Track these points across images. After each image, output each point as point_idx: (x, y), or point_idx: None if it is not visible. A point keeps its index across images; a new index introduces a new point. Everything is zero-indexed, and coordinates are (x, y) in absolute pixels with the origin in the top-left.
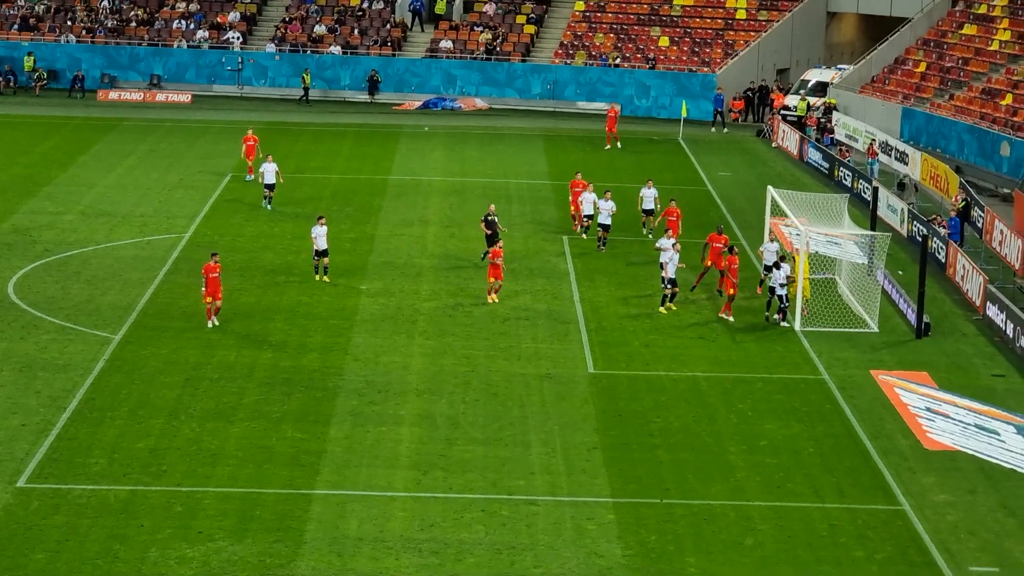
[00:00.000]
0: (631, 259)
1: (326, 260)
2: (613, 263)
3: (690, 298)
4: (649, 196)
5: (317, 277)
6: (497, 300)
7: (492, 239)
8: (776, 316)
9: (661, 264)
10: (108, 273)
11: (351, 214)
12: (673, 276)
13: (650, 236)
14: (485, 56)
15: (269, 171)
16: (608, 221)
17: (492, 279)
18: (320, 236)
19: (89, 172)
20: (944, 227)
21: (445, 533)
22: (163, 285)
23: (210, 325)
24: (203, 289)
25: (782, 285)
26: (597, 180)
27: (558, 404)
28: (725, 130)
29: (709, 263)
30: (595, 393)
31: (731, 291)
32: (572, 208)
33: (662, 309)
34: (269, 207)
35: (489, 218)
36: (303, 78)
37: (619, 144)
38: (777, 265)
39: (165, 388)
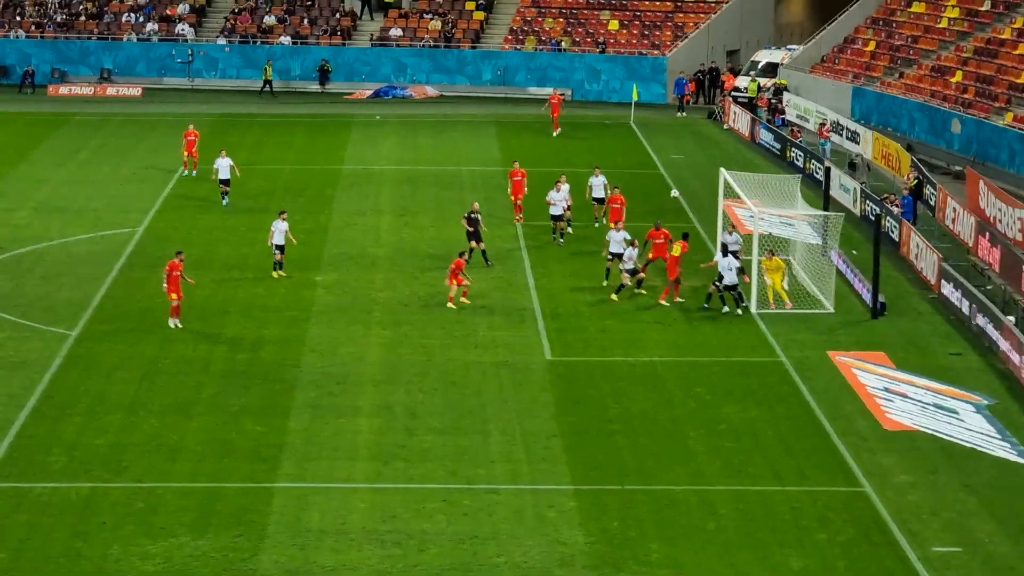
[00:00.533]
0: (585, 247)
1: (281, 256)
2: (567, 250)
3: (646, 284)
4: (598, 184)
5: (274, 274)
6: (466, 302)
7: (474, 236)
8: (737, 310)
9: (611, 255)
10: (63, 269)
11: (304, 205)
12: (632, 267)
13: (597, 225)
14: (434, 44)
15: (224, 167)
16: (560, 212)
17: (454, 283)
18: (279, 231)
19: (41, 168)
20: (897, 206)
21: (407, 524)
22: (118, 280)
23: (172, 325)
24: (164, 286)
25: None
26: (549, 166)
27: (516, 392)
28: (684, 114)
29: (653, 256)
30: (553, 380)
31: (672, 276)
32: (511, 197)
33: (614, 296)
34: (226, 202)
35: (472, 215)
36: (265, 70)
37: (556, 132)
38: (736, 255)
39: (123, 384)
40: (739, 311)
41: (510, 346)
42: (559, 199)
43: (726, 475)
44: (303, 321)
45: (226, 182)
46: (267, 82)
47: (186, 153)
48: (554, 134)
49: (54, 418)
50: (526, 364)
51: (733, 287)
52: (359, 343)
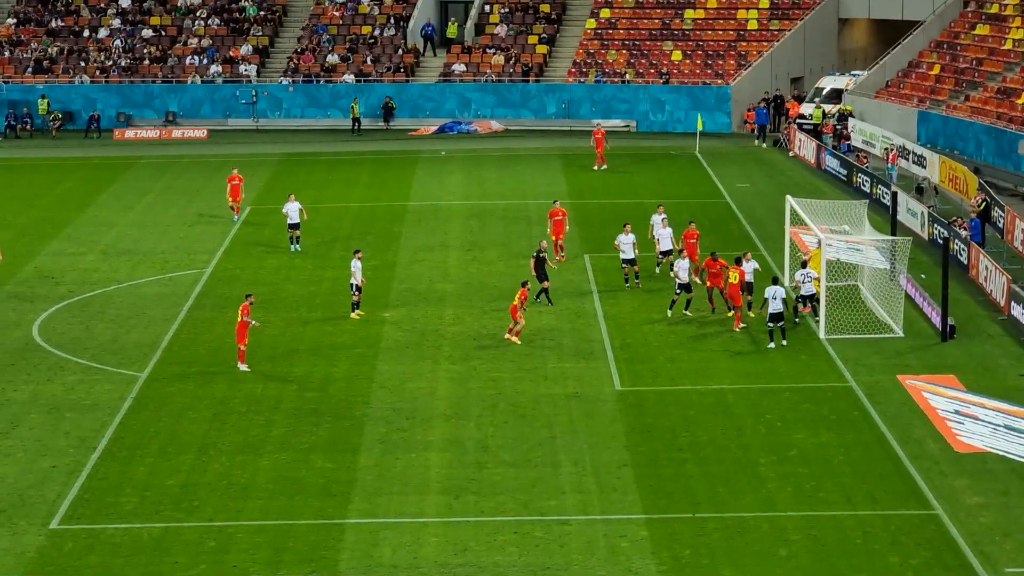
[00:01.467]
0: (653, 274)
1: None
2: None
3: (716, 313)
4: (663, 231)
5: (353, 315)
6: (518, 341)
7: (541, 276)
8: (783, 341)
9: (673, 271)
10: (131, 311)
11: (371, 242)
12: (686, 281)
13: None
14: (498, 78)
15: (293, 210)
16: (632, 255)
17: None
18: (357, 270)
19: (108, 211)
20: (965, 228)
21: (479, 557)
22: (187, 321)
23: (242, 368)
24: (251, 322)
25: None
26: (616, 198)
27: (586, 423)
28: (765, 144)
29: (710, 284)
30: (623, 410)
31: (736, 303)
32: (552, 237)
33: (668, 312)
34: (297, 248)
35: (540, 255)
36: (352, 108)
37: (604, 165)
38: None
39: (193, 424)
40: (783, 343)
41: (579, 378)
42: (627, 243)
43: (797, 501)
44: (371, 358)
45: (295, 226)
46: (356, 120)
47: (231, 199)
48: (595, 168)
49: (125, 459)
50: (596, 395)
51: (779, 316)
52: (428, 378)
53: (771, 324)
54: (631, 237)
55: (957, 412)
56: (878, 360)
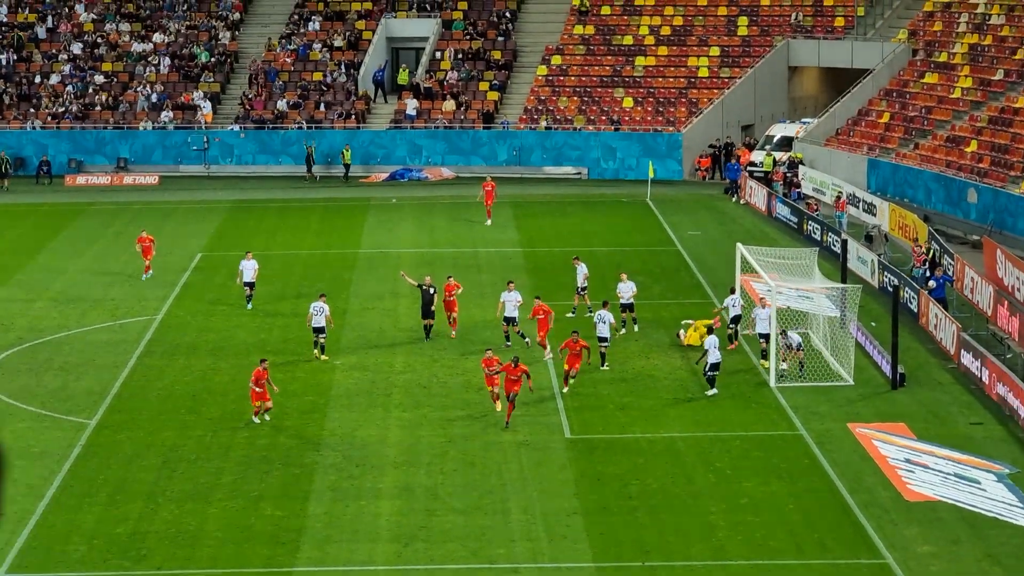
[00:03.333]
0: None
1: (322, 338)
2: (587, 327)
3: (665, 360)
4: (511, 301)
5: (318, 355)
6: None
7: (427, 313)
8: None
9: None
10: (81, 358)
11: (321, 289)
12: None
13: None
14: (448, 125)
15: (249, 268)
16: (631, 302)
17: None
18: (318, 313)
19: (59, 258)
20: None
21: None
22: (137, 368)
23: (256, 420)
24: (251, 395)
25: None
26: (570, 245)
27: (536, 470)
28: (739, 200)
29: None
30: (572, 458)
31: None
32: (446, 312)
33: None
34: (250, 306)
35: (427, 289)
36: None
37: (489, 221)
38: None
39: (142, 471)
40: (715, 390)
41: (529, 425)
42: (626, 291)
43: (748, 549)
44: (322, 405)
45: (250, 284)
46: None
47: (144, 258)
48: (487, 223)
49: (74, 507)
50: (545, 443)
51: (717, 366)
52: (379, 426)
53: (710, 372)
54: (630, 285)
55: (907, 460)
56: (828, 408)
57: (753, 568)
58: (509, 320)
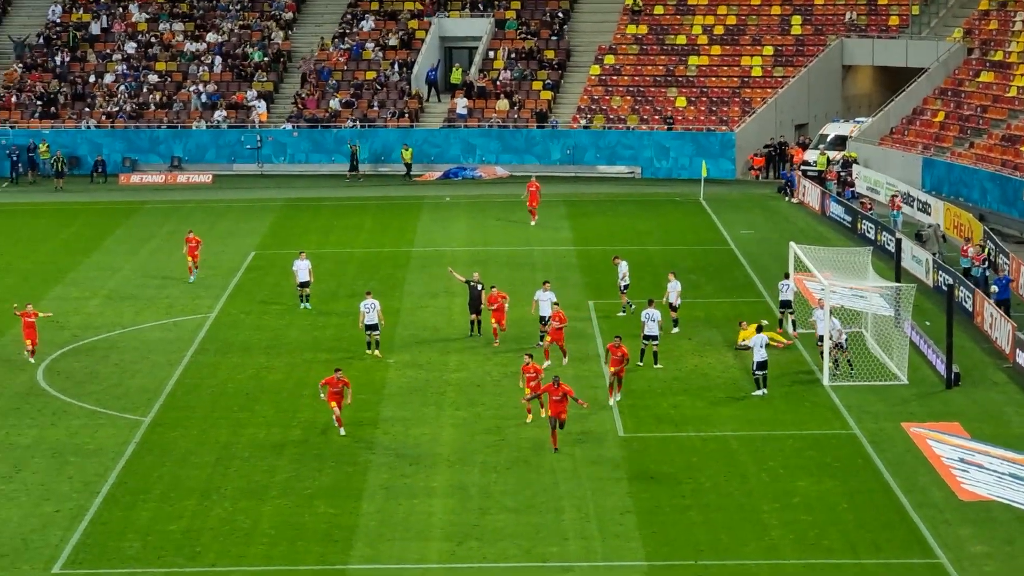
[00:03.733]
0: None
1: (377, 334)
2: (638, 326)
3: (718, 359)
4: (545, 300)
5: (372, 353)
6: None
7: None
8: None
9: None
10: (136, 356)
11: (375, 288)
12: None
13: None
14: (502, 124)
15: (303, 268)
16: (677, 301)
17: (613, 373)
18: (370, 311)
19: (113, 256)
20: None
21: None
22: (191, 366)
23: (342, 432)
24: (323, 396)
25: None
26: (623, 244)
27: (589, 469)
28: (793, 200)
29: (612, 368)
30: (626, 456)
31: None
32: (492, 320)
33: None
34: (307, 306)
35: (473, 284)
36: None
37: (533, 222)
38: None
39: (196, 468)
40: (763, 391)
41: (583, 423)
42: (674, 289)
43: (800, 549)
44: (375, 403)
45: (305, 284)
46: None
47: (189, 259)
48: (532, 223)
49: (128, 504)
50: (599, 441)
51: (764, 364)
52: (432, 424)
53: (757, 372)
54: (676, 284)
55: (962, 460)
56: (882, 407)
57: (806, 567)
58: (544, 319)
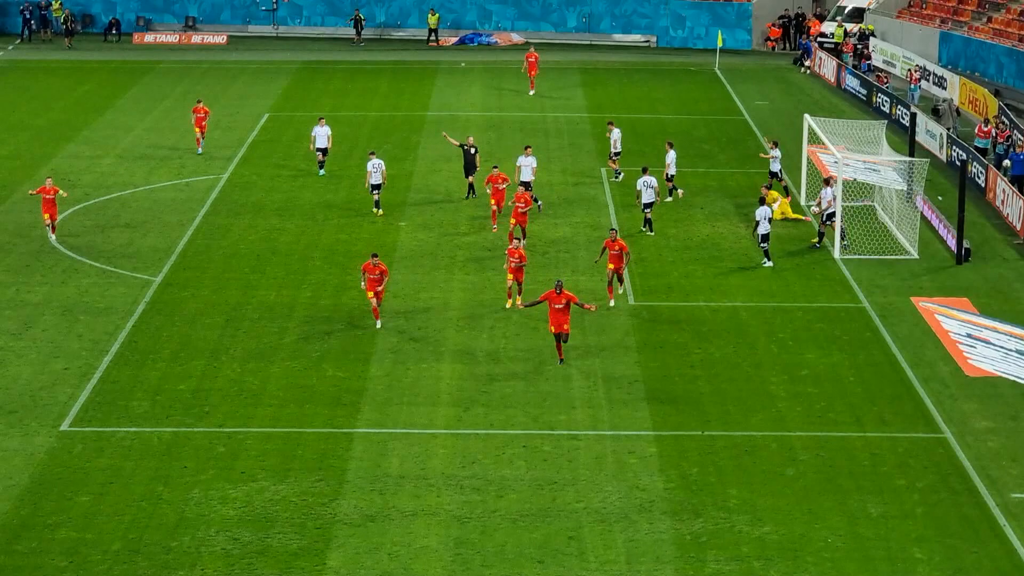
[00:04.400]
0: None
1: (377, 194)
2: (631, 195)
3: (730, 229)
4: (527, 165)
5: (375, 211)
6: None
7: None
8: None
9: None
10: (147, 216)
11: (389, 152)
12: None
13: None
14: None
15: (321, 135)
16: (673, 171)
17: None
18: (375, 171)
19: (126, 116)
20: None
21: (487, 470)
22: (202, 226)
23: (378, 325)
24: (363, 285)
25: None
26: (637, 112)
27: (599, 337)
28: (806, 70)
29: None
30: (636, 325)
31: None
32: (492, 202)
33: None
34: (323, 172)
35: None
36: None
37: (532, 91)
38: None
39: (206, 329)
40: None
41: (593, 291)
42: (669, 160)
43: (807, 421)
44: (387, 266)
45: (324, 151)
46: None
47: (197, 130)
48: (531, 93)
49: (137, 363)
50: (609, 308)
51: (767, 237)
52: (442, 288)
53: (764, 245)
54: (672, 154)
55: (969, 336)
56: (892, 281)
57: (811, 440)
58: (525, 184)
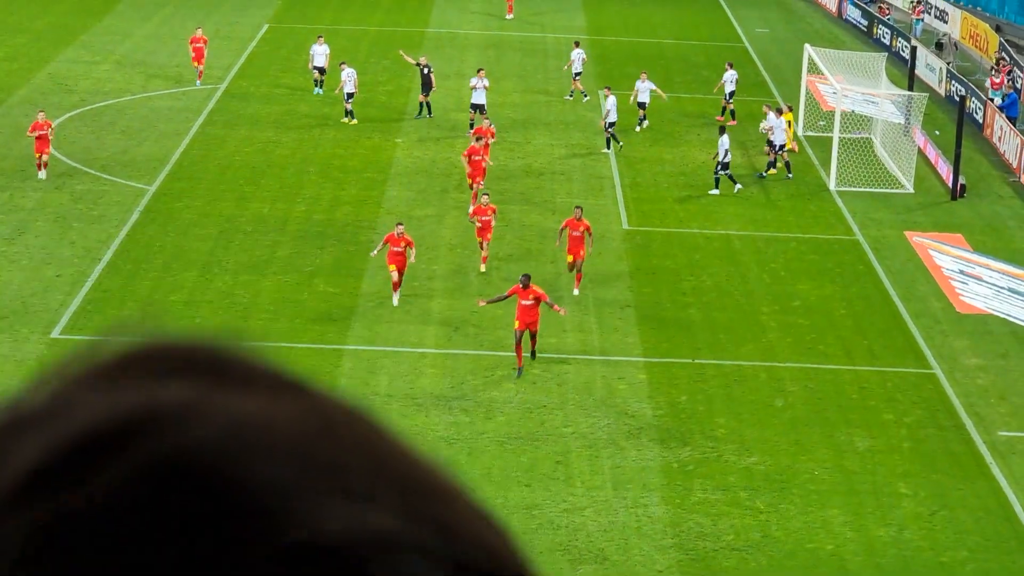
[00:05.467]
0: (667, 116)
1: (350, 104)
2: (650, 118)
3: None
4: (644, 89)
5: (346, 120)
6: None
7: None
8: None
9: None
10: (143, 124)
11: (387, 67)
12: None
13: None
14: None
15: (320, 54)
16: (647, 99)
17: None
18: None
19: (125, 21)
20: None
21: (476, 391)
22: (198, 137)
23: (395, 301)
24: (375, 253)
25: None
26: (636, 35)
27: (592, 261)
28: None
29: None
30: (629, 250)
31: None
32: (482, 157)
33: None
34: (319, 91)
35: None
36: None
37: (510, 16)
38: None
39: (199, 240)
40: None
41: (588, 214)
42: (644, 90)
43: (797, 352)
44: (381, 183)
45: (321, 70)
46: None
47: (196, 64)
48: (508, 17)
49: (129, 273)
50: (603, 233)
51: (726, 166)
52: (436, 206)
53: (727, 172)
54: (648, 84)
55: (962, 272)
56: (887, 215)
57: (800, 371)
58: (477, 107)
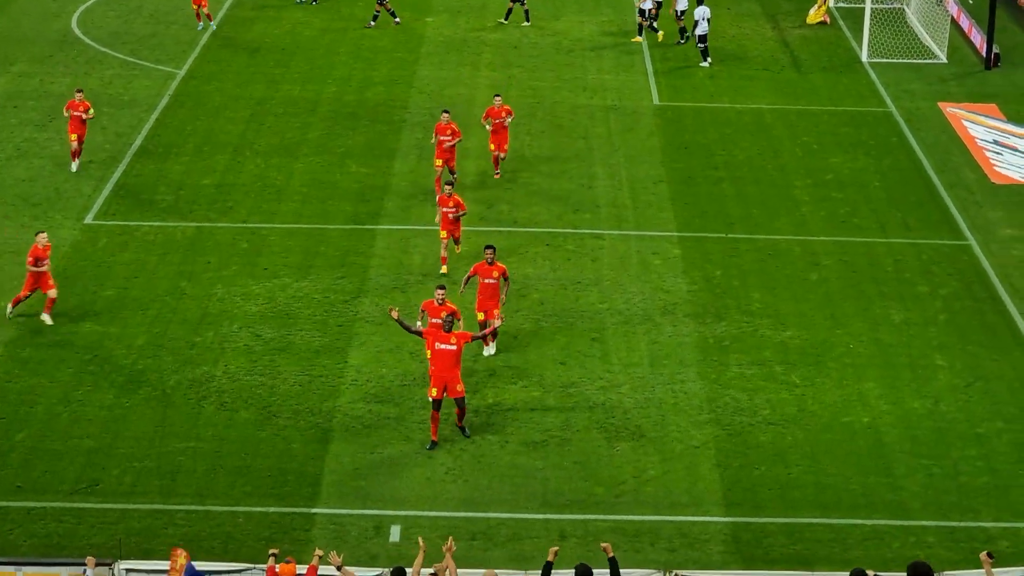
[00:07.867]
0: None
1: None
2: None
3: (756, 30)
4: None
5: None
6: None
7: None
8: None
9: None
10: (171, 7)
11: None
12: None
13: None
14: None
15: None
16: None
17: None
18: None
19: None
20: None
21: (510, 268)
22: (227, 19)
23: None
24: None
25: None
26: None
27: (623, 136)
28: None
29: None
30: (660, 125)
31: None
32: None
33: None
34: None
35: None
36: None
37: None
38: None
39: (230, 123)
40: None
41: (619, 90)
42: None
43: (831, 226)
44: (412, 62)
45: None
46: None
47: (195, 6)
48: None
49: (161, 157)
50: (634, 108)
51: (705, 37)
52: (468, 84)
53: (702, 45)
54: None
55: (996, 142)
56: (920, 86)
57: (835, 244)
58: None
